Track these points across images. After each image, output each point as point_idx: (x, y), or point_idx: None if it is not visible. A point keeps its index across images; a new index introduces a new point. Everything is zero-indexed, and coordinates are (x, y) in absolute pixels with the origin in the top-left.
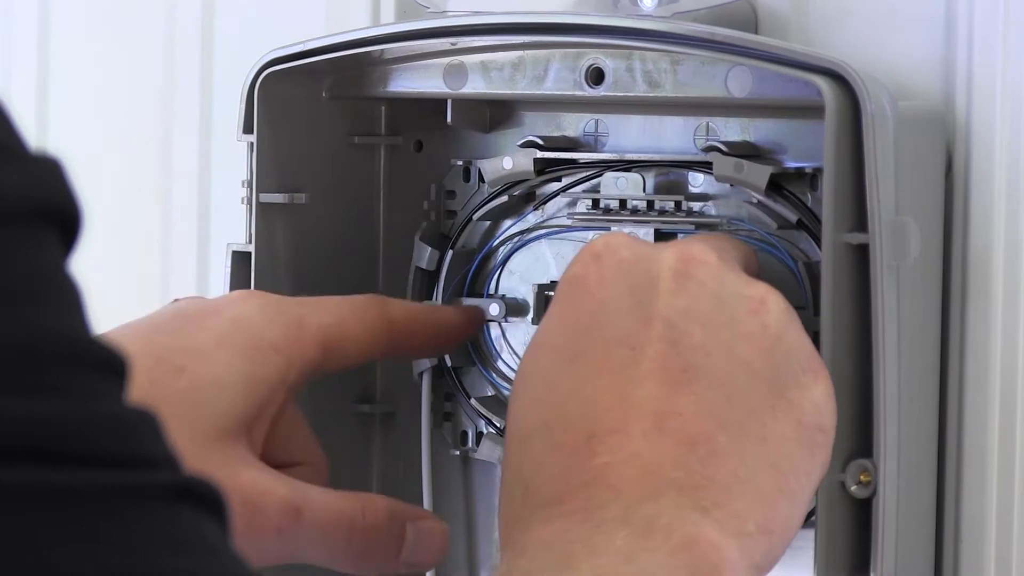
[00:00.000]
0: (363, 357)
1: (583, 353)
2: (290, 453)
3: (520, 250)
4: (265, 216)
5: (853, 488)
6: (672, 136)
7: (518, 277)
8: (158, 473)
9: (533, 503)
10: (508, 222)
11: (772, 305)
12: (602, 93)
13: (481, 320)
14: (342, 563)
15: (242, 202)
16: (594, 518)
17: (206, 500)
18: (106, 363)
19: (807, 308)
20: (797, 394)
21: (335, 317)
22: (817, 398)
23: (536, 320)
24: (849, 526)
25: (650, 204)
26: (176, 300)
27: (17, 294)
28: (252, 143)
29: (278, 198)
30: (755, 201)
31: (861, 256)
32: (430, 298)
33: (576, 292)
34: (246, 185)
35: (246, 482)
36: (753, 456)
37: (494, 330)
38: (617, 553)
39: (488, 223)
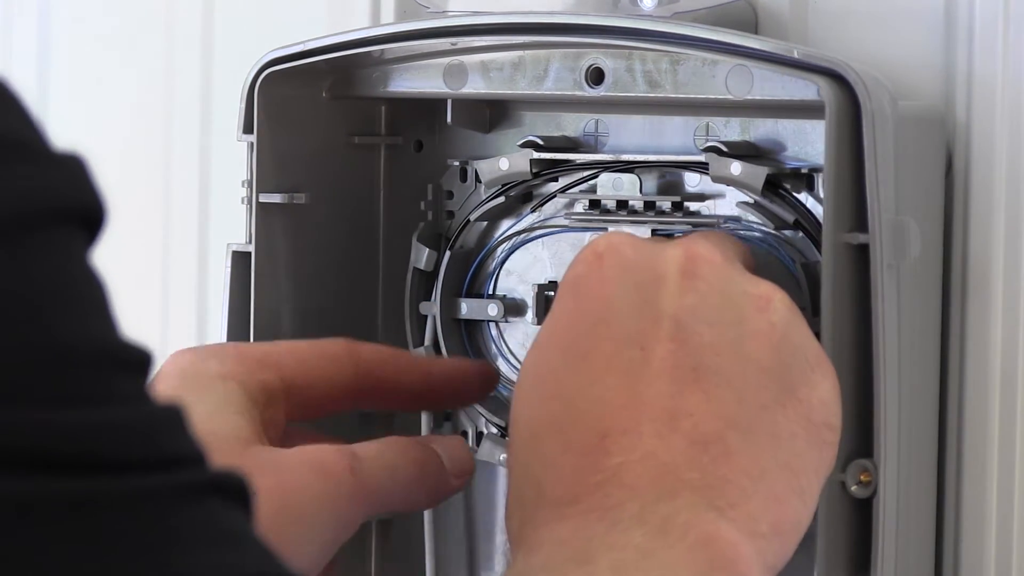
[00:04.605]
0: (331, 391)
1: (591, 352)
2: None
3: (518, 250)
4: (265, 216)
5: (853, 488)
6: (672, 136)
7: (516, 277)
8: (185, 472)
9: (546, 502)
10: (506, 223)
11: (778, 303)
12: (602, 93)
13: (493, 381)
14: (412, 494)
15: (242, 202)
16: (610, 517)
17: (232, 491)
18: (132, 362)
19: (806, 308)
20: (806, 392)
21: (284, 346)
22: (825, 395)
23: (537, 320)
24: (849, 526)
25: (647, 204)
26: None
27: (45, 301)
28: (252, 143)
29: (278, 198)
30: (752, 201)
31: (861, 256)
32: (428, 298)
33: (581, 291)
34: (246, 185)
35: (299, 455)
36: (765, 455)
37: (492, 330)
38: (635, 549)
39: (486, 223)
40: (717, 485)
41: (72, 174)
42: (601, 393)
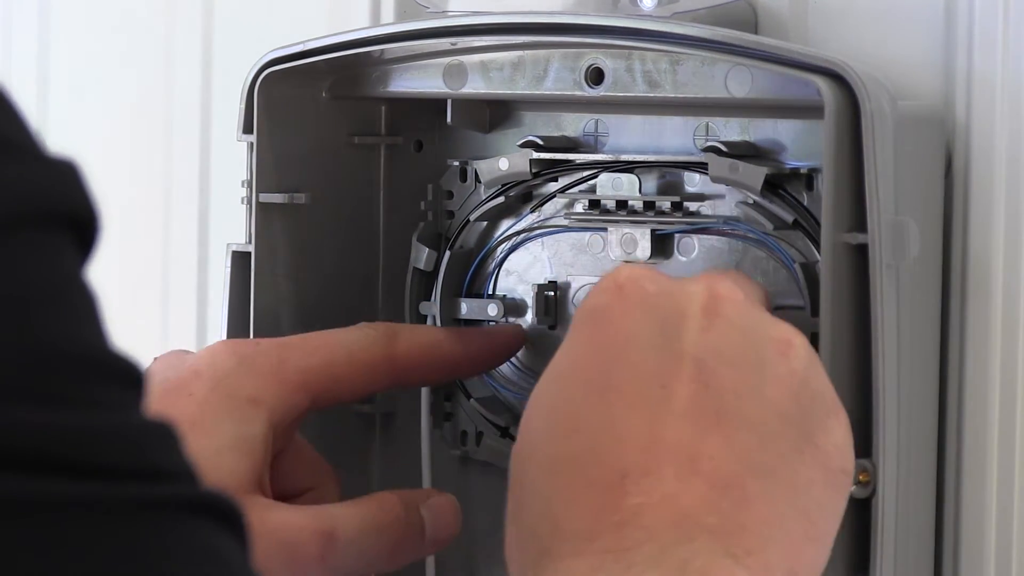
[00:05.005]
0: (361, 393)
1: (611, 386)
2: (299, 482)
3: (518, 250)
4: (265, 216)
5: (853, 488)
6: (672, 136)
7: (516, 277)
8: (174, 486)
9: (563, 536)
10: (506, 223)
11: (799, 348)
12: (602, 93)
13: (520, 341)
14: (381, 565)
15: (242, 202)
16: (627, 558)
17: (223, 514)
18: (122, 373)
19: (805, 308)
20: (823, 438)
21: (323, 358)
22: (840, 440)
23: (537, 320)
24: (849, 526)
25: (647, 204)
26: (155, 359)
27: (32, 302)
28: (252, 143)
29: (278, 198)
30: (752, 201)
31: (860, 256)
32: (428, 299)
33: (600, 323)
34: (246, 185)
35: (277, 525)
36: (783, 502)
37: None
38: None
39: (486, 223)
40: (735, 531)
41: (63, 178)
42: (622, 431)
